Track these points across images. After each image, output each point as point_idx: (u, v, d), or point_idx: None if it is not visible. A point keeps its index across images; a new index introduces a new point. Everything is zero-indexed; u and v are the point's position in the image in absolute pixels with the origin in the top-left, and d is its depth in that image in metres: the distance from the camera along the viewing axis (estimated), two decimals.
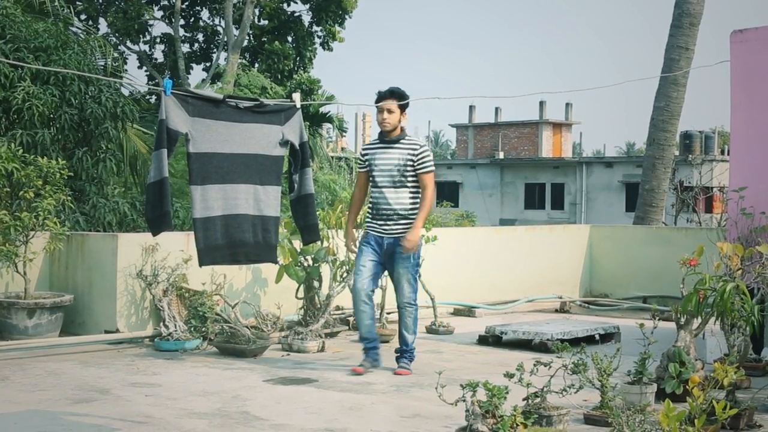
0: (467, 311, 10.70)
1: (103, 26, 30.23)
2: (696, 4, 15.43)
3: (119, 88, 12.46)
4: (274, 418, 5.61)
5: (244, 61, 31.14)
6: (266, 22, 32.32)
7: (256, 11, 31.30)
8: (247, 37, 30.76)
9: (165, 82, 5.05)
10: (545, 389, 5.15)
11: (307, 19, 32.23)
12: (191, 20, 32.52)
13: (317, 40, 32.36)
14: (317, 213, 6.99)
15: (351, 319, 9.32)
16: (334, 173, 24.69)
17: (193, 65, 32.86)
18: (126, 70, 20.54)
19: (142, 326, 8.42)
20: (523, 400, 5.14)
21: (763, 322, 6.72)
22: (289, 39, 32.31)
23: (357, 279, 7.09)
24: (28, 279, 8.41)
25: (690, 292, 5.92)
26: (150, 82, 30.11)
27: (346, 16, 31.97)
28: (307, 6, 31.89)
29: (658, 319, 6.12)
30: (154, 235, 5.20)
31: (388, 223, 7.02)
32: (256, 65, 31.77)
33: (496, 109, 52.91)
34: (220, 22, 31.97)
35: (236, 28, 28.46)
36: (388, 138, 7.12)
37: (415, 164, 7.03)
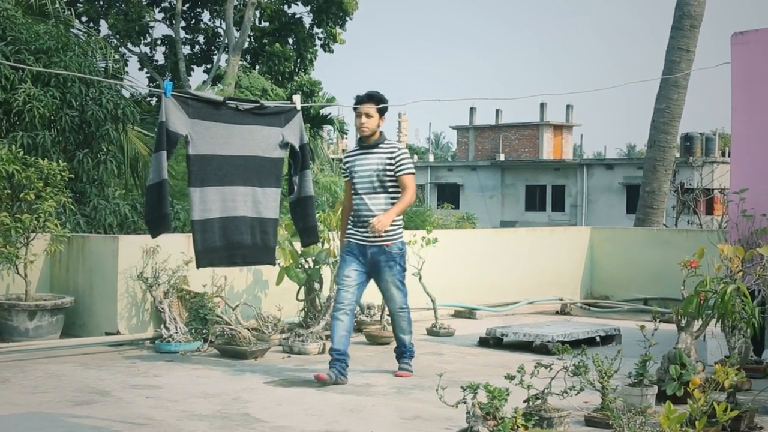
0: (468, 313, 10.69)
1: (104, 28, 30.25)
2: (697, 6, 15.43)
3: (120, 90, 12.46)
4: (274, 420, 5.61)
5: (244, 63, 31.15)
6: (267, 24, 32.33)
7: (257, 13, 31.30)
8: (248, 39, 30.76)
9: (165, 84, 5.05)
10: (546, 391, 5.15)
11: (307, 20, 32.24)
12: (192, 22, 32.53)
13: (318, 42, 32.35)
14: (317, 215, 6.99)
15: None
16: (335, 175, 24.67)
17: (194, 67, 32.87)
18: (127, 72, 20.55)
19: (143, 328, 8.43)
20: (524, 402, 5.14)
21: (763, 324, 6.73)
22: (290, 41, 32.31)
23: (340, 290, 6.92)
24: (28, 281, 8.41)
25: (691, 294, 5.92)
26: (151, 84, 30.15)
27: (347, 18, 31.96)
28: (308, 8, 31.90)
29: (659, 321, 6.11)
30: (154, 236, 5.21)
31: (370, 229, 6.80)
32: (257, 67, 31.78)
33: (497, 111, 53.01)
34: (220, 24, 31.99)
35: (237, 30, 28.47)
36: (366, 143, 6.98)
37: (395, 167, 6.88)
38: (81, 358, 7.73)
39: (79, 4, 28.27)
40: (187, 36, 32.41)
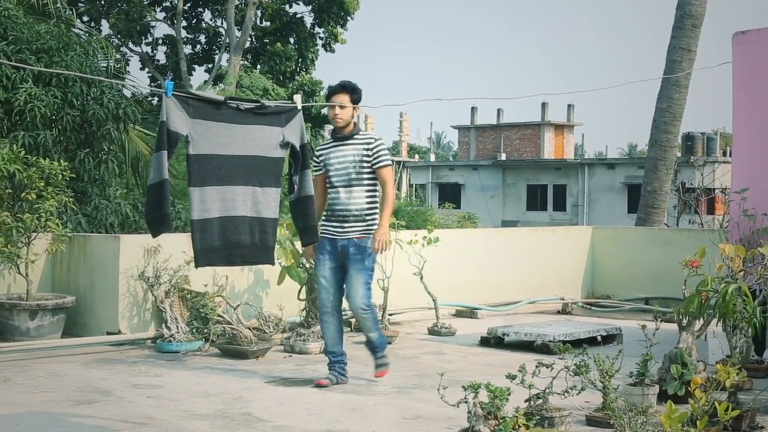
0: (469, 312, 10.69)
1: (105, 28, 30.30)
2: (698, 6, 15.43)
3: (121, 89, 12.47)
4: (276, 420, 5.61)
5: (246, 62, 31.17)
6: (268, 23, 32.35)
7: (258, 13, 31.33)
8: (249, 39, 30.79)
9: (166, 83, 5.05)
10: (547, 391, 5.15)
11: (309, 20, 32.28)
12: (193, 22, 32.56)
13: (319, 42, 32.38)
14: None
15: (353, 320, 9.33)
16: None
17: (195, 67, 32.91)
18: (128, 72, 20.53)
19: (144, 328, 8.43)
20: (525, 401, 5.14)
21: (765, 323, 6.72)
22: (291, 40, 32.34)
23: (319, 292, 6.80)
24: (30, 280, 8.42)
25: (692, 294, 5.92)
26: (152, 84, 30.18)
27: (348, 18, 31.98)
28: (309, 7, 31.92)
29: (660, 321, 6.11)
30: (154, 236, 5.20)
31: (344, 225, 6.62)
32: (258, 67, 31.81)
33: (498, 110, 53.01)
34: (222, 23, 32.02)
35: (238, 30, 28.49)
36: (341, 135, 6.76)
37: (371, 159, 6.67)
38: (82, 357, 7.74)
39: (80, 4, 28.29)
40: (188, 35, 32.44)
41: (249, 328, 8.11)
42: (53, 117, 11.05)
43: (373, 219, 6.71)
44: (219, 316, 8.19)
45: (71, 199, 9.35)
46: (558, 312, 11.30)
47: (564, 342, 7.41)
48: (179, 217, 11.72)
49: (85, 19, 28.86)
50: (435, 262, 9.61)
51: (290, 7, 32.23)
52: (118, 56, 13.95)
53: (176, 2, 30.02)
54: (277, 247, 7.48)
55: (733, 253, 6.31)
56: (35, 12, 13.01)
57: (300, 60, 31.96)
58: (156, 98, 23.24)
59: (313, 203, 5.65)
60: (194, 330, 8.16)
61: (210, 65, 32.25)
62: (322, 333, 6.95)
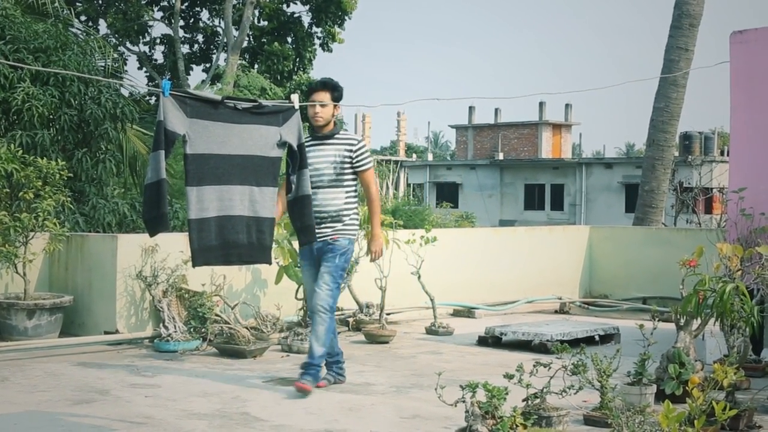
0: (467, 312, 10.69)
1: (102, 27, 30.27)
2: (696, 5, 15.44)
3: (119, 89, 12.45)
4: (274, 419, 5.61)
5: (243, 62, 31.15)
6: (266, 23, 32.33)
7: (256, 12, 31.31)
8: (247, 38, 30.77)
9: (163, 83, 5.03)
10: (545, 390, 5.15)
11: (306, 20, 32.27)
12: (191, 21, 32.55)
13: (317, 41, 32.37)
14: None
15: (351, 319, 9.34)
16: None
17: (193, 66, 32.89)
18: (126, 71, 20.55)
19: (142, 327, 8.42)
20: (523, 401, 5.14)
21: (762, 323, 6.73)
22: (289, 40, 32.32)
23: (308, 297, 6.78)
24: (27, 280, 8.41)
25: (690, 293, 5.92)
26: (150, 83, 30.14)
27: (346, 17, 31.97)
28: (307, 7, 31.91)
29: (658, 320, 6.11)
30: (151, 236, 5.20)
31: (320, 226, 6.35)
32: (256, 66, 31.78)
33: (496, 110, 52.99)
34: (219, 23, 32.00)
35: (236, 29, 28.47)
36: (321, 134, 6.56)
37: (353, 161, 6.53)
38: (80, 357, 7.73)
39: (78, 3, 28.26)
40: (186, 35, 32.43)
41: (247, 328, 8.11)
42: (51, 116, 11.05)
43: (352, 220, 6.57)
44: (216, 315, 8.18)
45: (69, 199, 9.34)
46: (556, 311, 11.30)
47: (562, 341, 7.42)
48: (177, 217, 11.71)
49: (83, 18, 28.83)
50: (433, 262, 9.61)
51: (288, 6, 32.23)
52: (115, 56, 13.92)
53: (174, 2, 29.99)
54: (274, 246, 7.49)
55: (730, 252, 6.31)
56: (33, 11, 13.01)
57: (297, 60, 31.94)
58: (153, 98, 23.21)
59: (310, 203, 5.65)
60: (192, 329, 8.15)
61: (207, 65, 32.23)
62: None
